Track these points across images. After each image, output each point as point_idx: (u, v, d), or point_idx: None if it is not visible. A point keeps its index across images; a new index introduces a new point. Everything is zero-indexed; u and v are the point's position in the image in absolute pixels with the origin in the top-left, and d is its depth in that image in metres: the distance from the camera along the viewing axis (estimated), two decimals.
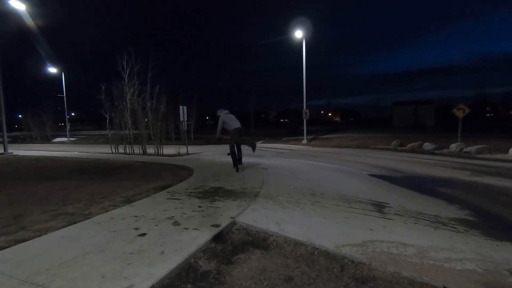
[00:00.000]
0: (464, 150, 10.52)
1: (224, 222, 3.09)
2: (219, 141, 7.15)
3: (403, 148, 12.92)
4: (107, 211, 3.57)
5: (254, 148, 6.69)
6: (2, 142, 13.41)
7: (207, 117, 52.14)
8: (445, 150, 11.20)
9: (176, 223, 3.08)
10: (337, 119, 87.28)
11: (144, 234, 2.77)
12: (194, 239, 2.64)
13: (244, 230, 3.01)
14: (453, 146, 11.06)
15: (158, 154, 12.16)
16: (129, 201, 4.09)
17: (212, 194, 4.47)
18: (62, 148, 18.86)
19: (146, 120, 13.70)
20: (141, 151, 13.12)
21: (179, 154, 11.62)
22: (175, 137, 23.02)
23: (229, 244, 2.68)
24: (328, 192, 4.67)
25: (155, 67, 13.24)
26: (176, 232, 2.83)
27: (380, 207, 3.86)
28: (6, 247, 2.50)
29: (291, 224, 3.13)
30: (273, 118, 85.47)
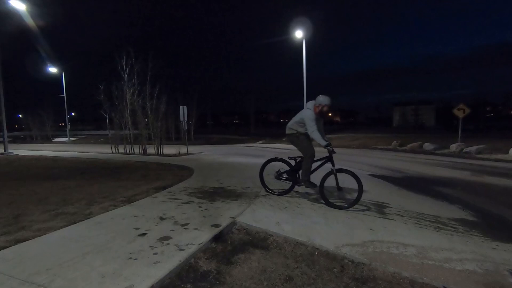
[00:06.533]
0: (465, 150, 10.52)
1: (224, 222, 3.09)
2: None
3: (403, 148, 12.91)
4: (107, 211, 3.57)
5: None
6: (3, 142, 13.43)
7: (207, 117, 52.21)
8: (446, 150, 11.19)
9: (176, 223, 3.08)
10: (337, 119, 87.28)
11: (144, 234, 2.77)
12: (194, 239, 2.64)
13: (244, 230, 3.01)
14: (454, 146, 11.06)
15: (158, 154, 12.16)
16: (129, 201, 4.09)
17: (212, 194, 4.47)
18: (62, 148, 18.86)
19: (146, 120, 13.71)
20: (141, 151, 13.12)
21: (179, 154, 11.62)
22: (175, 137, 23.02)
23: (229, 244, 2.68)
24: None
25: (155, 67, 13.28)
26: (176, 232, 2.83)
27: (380, 207, 3.86)
28: (6, 247, 2.50)
29: (291, 224, 3.13)
30: (274, 118, 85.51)
